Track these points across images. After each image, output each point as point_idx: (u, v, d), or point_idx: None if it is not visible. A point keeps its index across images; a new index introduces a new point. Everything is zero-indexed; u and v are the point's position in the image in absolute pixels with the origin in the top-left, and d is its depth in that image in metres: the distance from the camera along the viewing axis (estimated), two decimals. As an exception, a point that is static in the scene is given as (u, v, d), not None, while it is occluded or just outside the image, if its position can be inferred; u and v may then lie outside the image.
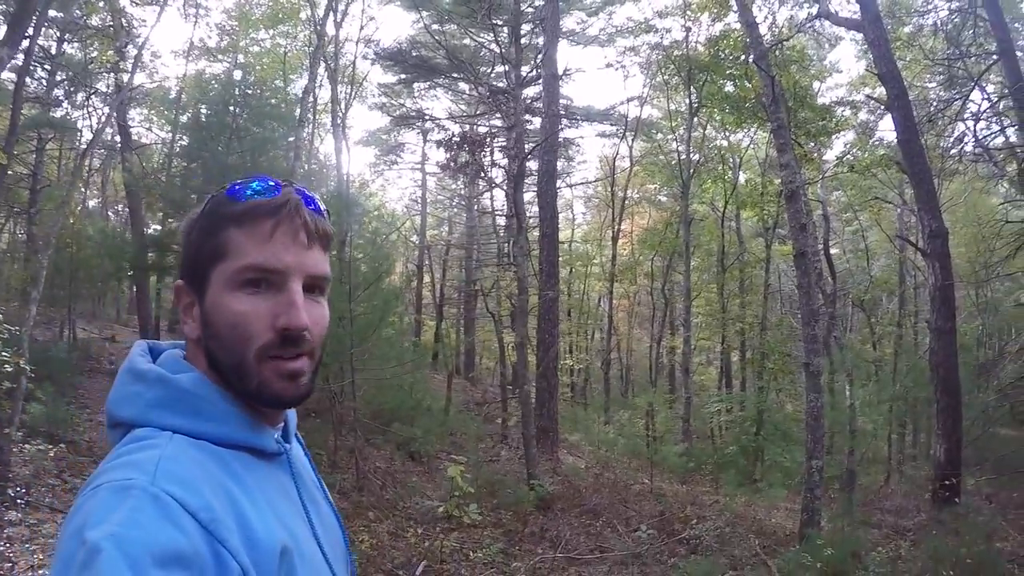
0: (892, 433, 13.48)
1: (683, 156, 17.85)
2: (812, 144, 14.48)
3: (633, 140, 21.25)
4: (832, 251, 18.28)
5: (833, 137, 16.05)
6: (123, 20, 14.56)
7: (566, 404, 20.25)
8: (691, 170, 17.19)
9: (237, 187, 0.91)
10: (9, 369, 6.95)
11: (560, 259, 17.39)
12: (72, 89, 16.82)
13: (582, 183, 28.16)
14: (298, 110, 15.93)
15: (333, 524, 1.04)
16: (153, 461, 0.76)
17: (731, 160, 19.74)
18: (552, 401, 13.66)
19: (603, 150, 39.11)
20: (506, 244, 20.39)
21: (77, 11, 13.81)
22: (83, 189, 20.57)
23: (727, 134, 18.95)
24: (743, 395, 18.07)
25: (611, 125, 22.36)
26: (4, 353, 6.95)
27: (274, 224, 0.88)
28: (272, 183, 0.91)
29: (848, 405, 11.41)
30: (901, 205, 18.55)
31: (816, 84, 17.47)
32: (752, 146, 19.82)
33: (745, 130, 17.99)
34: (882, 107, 13.03)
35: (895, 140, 10.66)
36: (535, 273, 14.62)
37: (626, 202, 23.35)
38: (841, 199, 20.90)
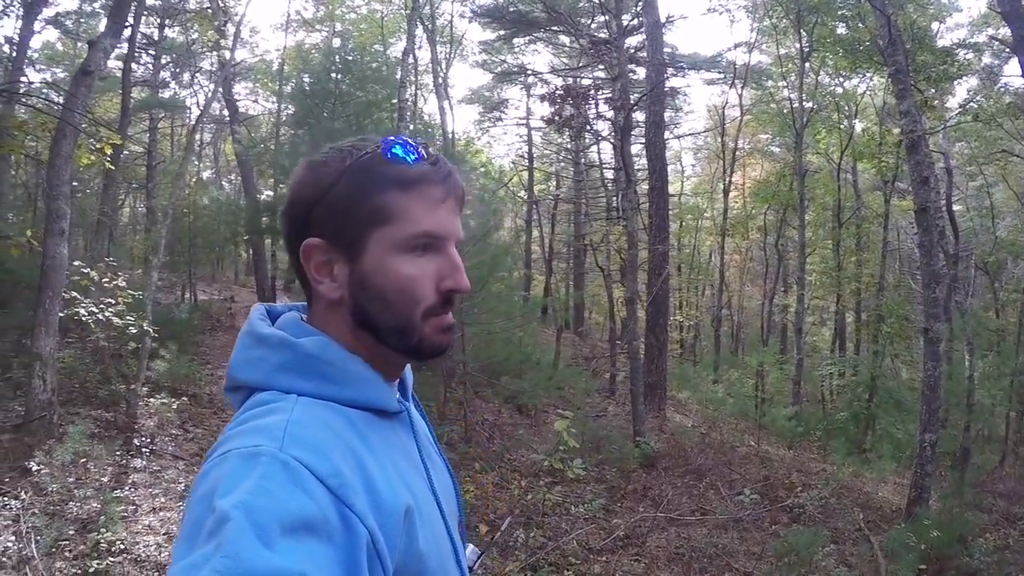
0: (1011, 411, 12.33)
1: (795, 104, 16.74)
2: (933, 90, 13.24)
3: (742, 88, 20.26)
4: (955, 208, 16.68)
5: (955, 83, 14.70)
6: (219, 1, 15.11)
7: (676, 361, 19.93)
8: (804, 119, 16.06)
9: (393, 150, 0.91)
10: (134, 331, 7.52)
11: (670, 213, 16.95)
12: (178, 70, 17.74)
13: (691, 134, 27.25)
14: (399, 72, 16.12)
15: (447, 481, 1.07)
16: (281, 426, 0.77)
17: (846, 108, 18.35)
18: (661, 357, 13.46)
19: (711, 99, 37.62)
20: (615, 198, 20.06)
21: None
22: (196, 162, 21.78)
23: (841, 80, 17.59)
24: (857, 359, 17.04)
25: (719, 73, 21.33)
26: (129, 316, 7.50)
27: (444, 192, 0.91)
28: (424, 150, 0.93)
29: (967, 376, 10.61)
30: (1031, 158, 16.80)
31: (935, 25, 15.94)
32: (868, 93, 18.37)
33: (860, 76, 16.65)
34: (1007, 49, 11.78)
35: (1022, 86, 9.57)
36: (644, 227, 14.33)
37: (737, 153, 22.44)
38: (964, 151, 19.01)
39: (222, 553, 0.62)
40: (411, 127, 16.91)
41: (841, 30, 14.40)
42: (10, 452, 6.23)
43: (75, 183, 18.30)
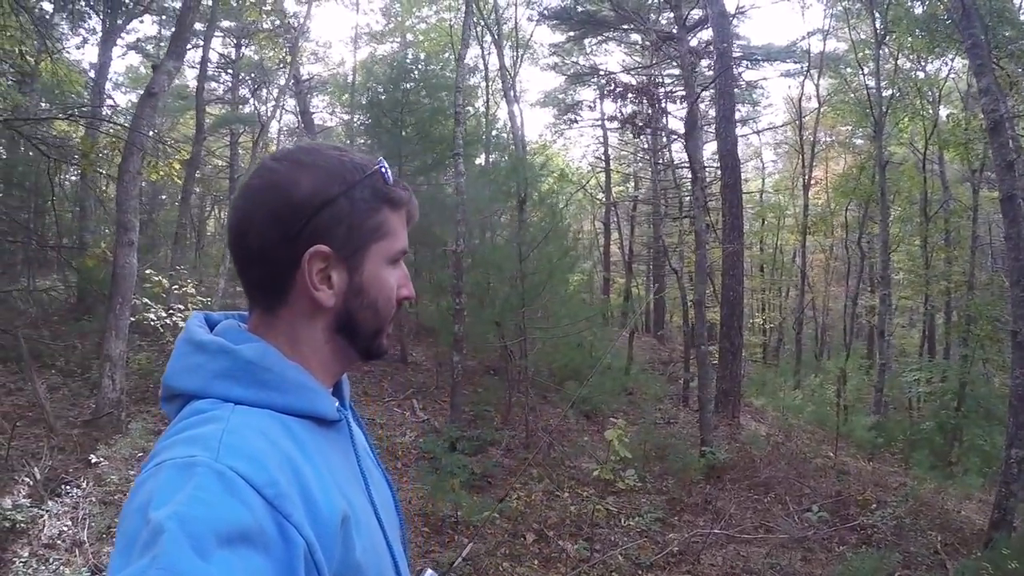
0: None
1: (873, 92, 15.82)
2: (1020, 70, 12.29)
3: (819, 77, 19.39)
4: (1048, 196, 15.50)
5: None
6: (291, 21, 15.63)
7: (756, 365, 19.29)
8: (883, 107, 15.16)
9: (386, 172, 0.98)
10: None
11: (751, 211, 16.39)
12: (255, 87, 18.44)
13: (769, 128, 26.23)
14: (457, 78, 16.26)
15: (386, 492, 1.07)
16: (216, 436, 0.76)
17: (929, 94, 17.04)
18: (735, 362, 12.96)
19: (788, 91, 36.27)
20: (689, 197, 19.59)
21: (248, 19, 14.99)
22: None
23: (921, 63, 16.56)
24: (945, 364, 15.91)
25: (794, 63, 20.41)
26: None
27: (409, 213, 1.01)
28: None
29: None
30: None
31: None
32: (952, 75, 17.19)
33: (941, 57, 15.64)
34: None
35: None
36: (715, 226, 13.91)
37: (816, 146, 21.52)
38: (1055, 135, 17.59)
39: (157, 565, 0.61)
40: (484, 134, 17.01)
41: (917, 9, 13.58)
42: (78, 445, 6.64)
43: (163, 197, 19.39)
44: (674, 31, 14.01)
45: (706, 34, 16.77)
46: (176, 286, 7.92)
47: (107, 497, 5.86)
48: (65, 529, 5.30)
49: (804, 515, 7.61)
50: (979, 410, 12.51)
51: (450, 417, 9.20)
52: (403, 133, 13.12)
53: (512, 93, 16.34)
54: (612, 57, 42.92)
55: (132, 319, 7.68)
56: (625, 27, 19.40)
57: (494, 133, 18.76)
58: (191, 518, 0.65)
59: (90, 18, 13.45)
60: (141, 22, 14.54)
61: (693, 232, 13.84)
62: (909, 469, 10.31)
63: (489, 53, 18.39)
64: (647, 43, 19.59)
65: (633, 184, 27.24)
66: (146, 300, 7.80)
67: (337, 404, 0.96)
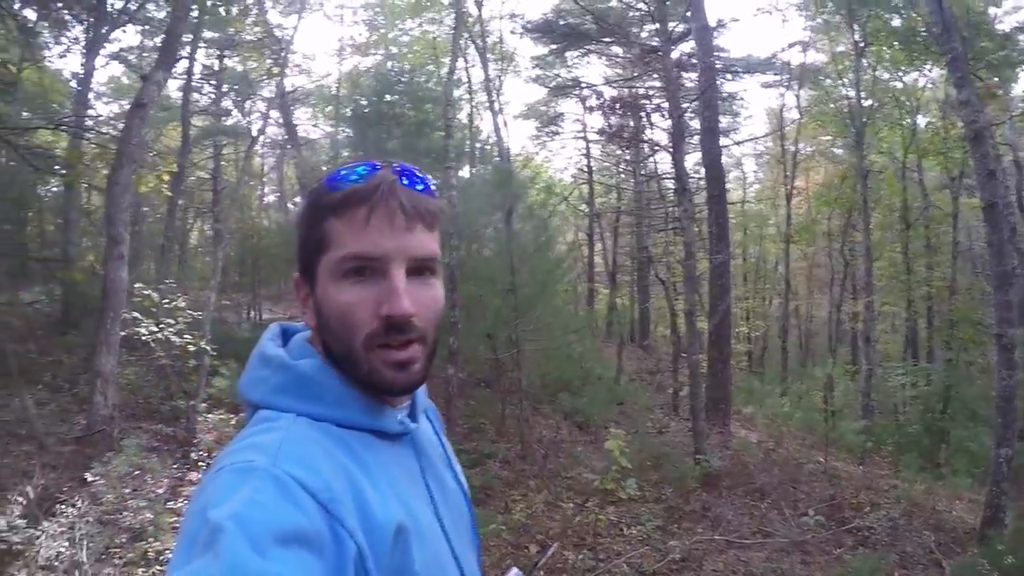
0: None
1: (853, 102, 16.09)
2: (995, 79, 12.57)
3: (799, 89, 19.72)
4: (1027, 203, 15.80)
5: (1018, 70, 13.85)
6: (275, 32, 15.62)
7: (742, 374, 19.39)
8: (863, 117, 15.44)
9: (333, 175, 0.91)
10: (193, 348, 7.76)
11: (733, 221, 16.51)
12: (239, 99, 18.38)
13: (750, 139, 26.45)
14: (443, 91, 16.32)
15: (459, 503, 1.06)
16: (275, 443, 0.79)
17: (907, 103, 17.39)
18: (724, 371, 12.98)
19: (769, 102, 36.74)
20: (673, 208, 19.72)
21: (231, 30, 14.97)
22: (261, 186, 22.46)
23: (900, 75, 16.83)
24: (929, 368, 16.15)
25: (774, 75, 20.73)
26: (187, 336, 7.75)
27: (368, 209, 0.87)
28: (367, 167, 0.90)
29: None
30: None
31: (992, 10, 15.12)
32: (929, 86, 17.51)
33: (919, 68, 15.94)
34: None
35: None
36: (701, 237, 14.00)
37: (798, 156, 21.81)
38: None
39: (219, 561, 0.63)
40: (467, 145, 17.06)
41: (895, 22, 13.84)
42: (70, 463, 6.58)
43: (145, 208, 19.17)
44: (656, 44, 14.13)
45: (688, 46, 16.98)
46: (166, 300, 7.82)
47: (104, 516, 5.77)
48: (63, 550, 5.20)
49: (801, 519, 7.65)
50: (964, 412, 12.70)
51: (446, 430, 9.13)
52: (388, 146, 13.10)
53: (496, 105, 16.41)
54: (594, 69, 43.20)
55: (123, 333, 7.58)
56: (607, 40, 19.55)
57: (478, 145, 18.85)
58: (249, 519, 0.67)
59: (73, 27, 13.33)
60: (124, 32, 14.42)
61: (679, 243, 13.95)
62: (899, 471, 10.43)
63: (472, 65, 18.46)
64: (629, 55, 19.75)
65: (616, 195, 27.37)
66: (136, 314, 7.68)
67: (402, 416, 0.96)
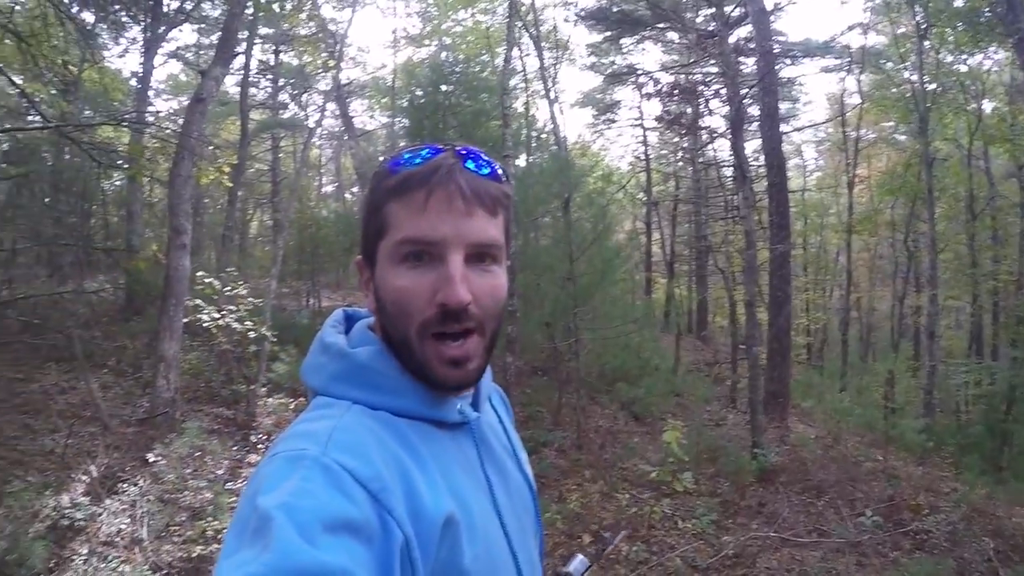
0: None
1: (917, 86, 15.32)
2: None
3: (860, 73, 19.00)
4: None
5: None
6: (329, 27, 15.87)
7: (801, 367, 18.93)
8: (927, 102, 14.71)
9: (396, 159, 0.90)
10: (253, 335, 7.95)
11: (793, 210, 16.09)
12: (296, 92, 18.76)
13: (810, 125, 25.71)
14: (496, 79, 16.28)
15: (523, 494, 1.04)
16: (327, 432, 0.79)
17: (972, 88, 16.39)
18: (784, 364, 12.74)
19: (829, 87, 35.67)
20: (733, 197, 19.35)
21: (286, 26, 15.26)
22: (319, 176, 22.84)
23: (964, 57, 15.92)
24: (994, 366, 15.33)
25: (834, 59, 20.01)
26: (248, 323, 7.94)
27: (426, 193, 0.85)
28: (431, 150, 0.89)
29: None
30: None
31: None
32: (995, 69, 16.62)
33: (983, 50, 15.05)
34: None
35: None
36: (762, 226, 13.69)
37: (860, 143, 21.09)
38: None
39: (270, 551, 0.64)
40: (523, 134, 17.00)
41: (958, 1, 13.19)
42: (133, 444, 6.78)
43: (206, 200, 19.72)
44: (713, 28, 13.83)
45: (745, 31, 16.57)
46: (228, 288, 8.03)
47: (164, 495, 5.94)
48: (123, 527, 5.37)
49: (857, 519, 7.41)
50: (1029, 413, 12.05)
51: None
52: (446, 136, 13.16)
53: (552, 94, 16.31)
54: (649, 56, 42.56)
55: (185, 320, 7.81)
56: (662, 26, 19.25)
57: (534, 134, 18.76)
58: (297, 508, 0.67)
59: (131, 28, 13.78)
60: (180, 31, 14.88)
61: (738, 232, 13.64)
62: (959, 473, 10.00)
63: (527, 55, 18.36)
64: (685, 41, 19.41)
65: (674, 183, 26.93)
66: (198, 301, 7.91)
67: (462, 405, 0.94)
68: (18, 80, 7.71)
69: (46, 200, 12.40)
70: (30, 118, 8.95)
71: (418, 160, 0.87)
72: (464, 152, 0.89)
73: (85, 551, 4.96)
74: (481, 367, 0.91)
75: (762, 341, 12.19)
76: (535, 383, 11.19)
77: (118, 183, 14.92)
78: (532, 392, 10.69)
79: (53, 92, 10.02)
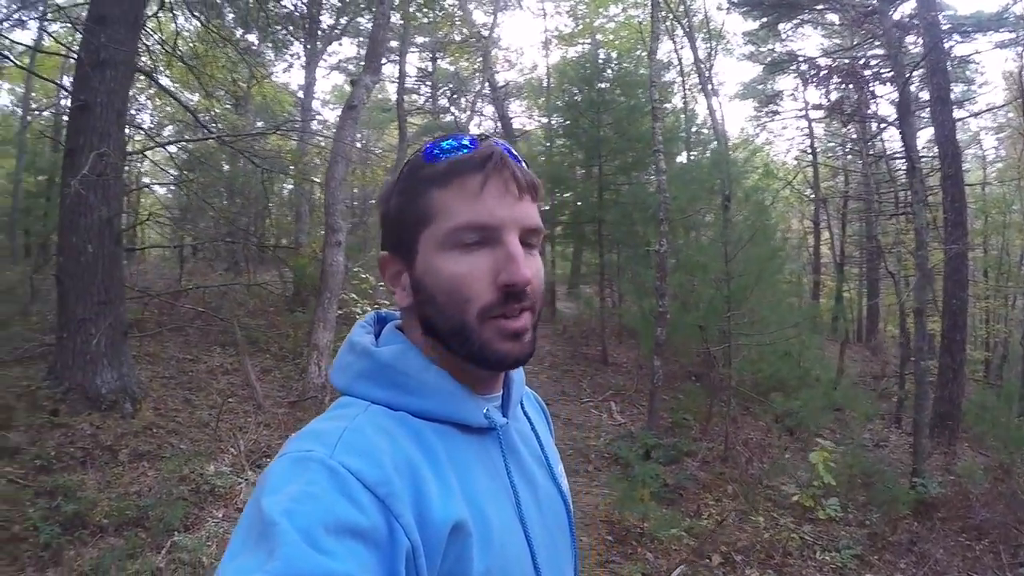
0: None
1: None
2: None
3: (1041, 47, 16.80)
4: None
5: None
6: (481, 32, 16.25)
7: (976, 386, 17.12)
8: None
9: (431, 149, 0.90)
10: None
11: (972, 206, 14.55)
12: (453, 96, 19.38)
13: (988, 109, 22.60)
14: (647, 73, 15.95)
15: (556, 511, 1.01)
16: (337, 433, 0.78)
17: None
18: (956, 381, 11.47)
19: (1007, 65, 31.71)
20: (905, 191, 17.81)
21: (440, 33, 15.83)
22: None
23: None
24: None
25: (1008, 32, 17.52)
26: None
27: (483, 179, 0.86)
28: (467, 139, 0.89)
29: None
30: None
31: None
32: None
33: None
34: None
35: None
36: (936, 224, 12.49)
37: (1047, 128, 18.77)
38: None
39: (275, 558, 0.63)
40: (683, 129, 16.59)
41: None
42: (283, 423, 7.34)
43: (371, 201, 20.82)
44: (875, 4, 12.74)
45: (907, 7, 15.08)
46: (383, 284, 8.47)
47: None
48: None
49: (1020, 570, 6.52)
50: None
51: (647, 423, 8.98)
52: (601, 133, 13.27)
53: (709, 86, 15.83)
54: (810, 41, 40.04)
55: (339, 312, 8.36)
56: (819, 7, 18.00)
57: (693, 129, 18.27)
58: (300, 513, 0.67)
59: (291, 44, 14.84)
60: (340, 45, 15.93)
61: (911, 230, 12.51)
62: None
63: (682, 47, 17.88)
64: (845, 22, 18.04)
65: (843, 178, 25.17)
66: (353, 295, 8.38)
67: (489, 409, 0.92)
68: (195, 97, 8.47)
69: (224, 203, 13.58)
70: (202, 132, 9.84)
71: (465, 149, 0.87)
72: (499, 143, 0.90)
73: (220, 515, 5.34)
74: (534, 342, 0.90)
75: (933, 354, 11.09)
76: (684, 388, 10.83)
77: (288, 186, 16.08)
78: (682, 398, 10.36)
79: (227, 107, 10.93)
